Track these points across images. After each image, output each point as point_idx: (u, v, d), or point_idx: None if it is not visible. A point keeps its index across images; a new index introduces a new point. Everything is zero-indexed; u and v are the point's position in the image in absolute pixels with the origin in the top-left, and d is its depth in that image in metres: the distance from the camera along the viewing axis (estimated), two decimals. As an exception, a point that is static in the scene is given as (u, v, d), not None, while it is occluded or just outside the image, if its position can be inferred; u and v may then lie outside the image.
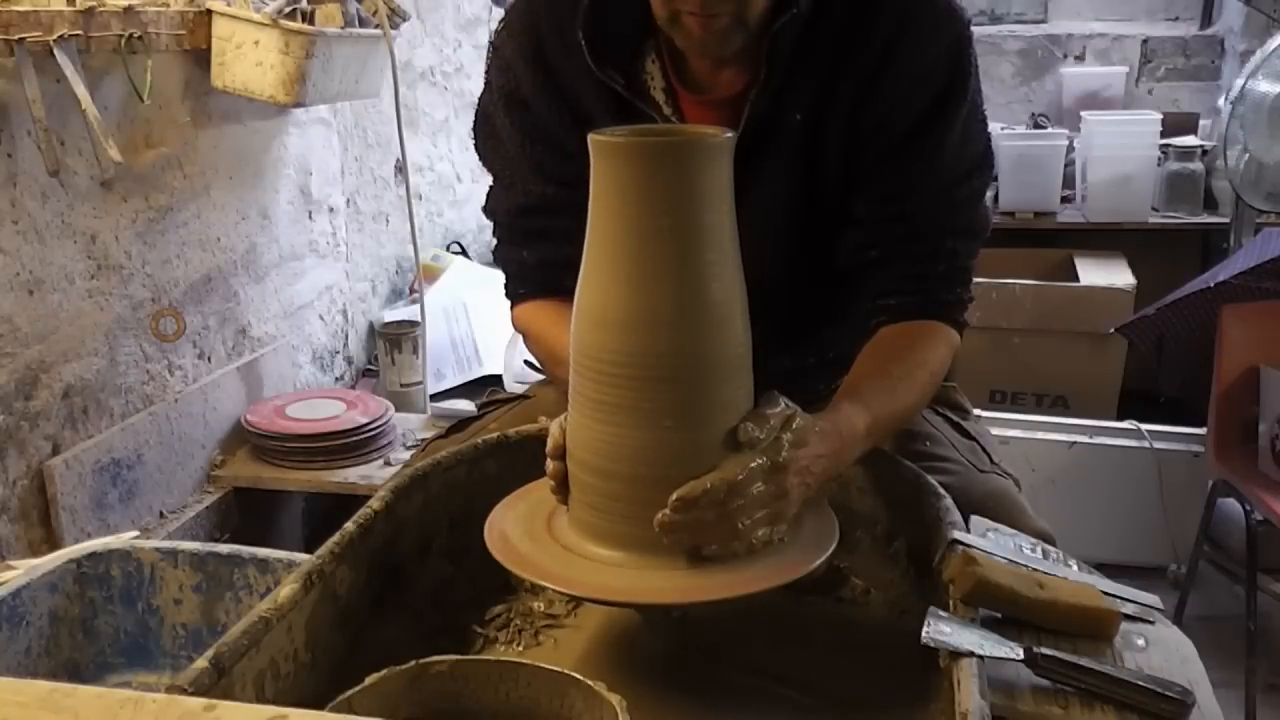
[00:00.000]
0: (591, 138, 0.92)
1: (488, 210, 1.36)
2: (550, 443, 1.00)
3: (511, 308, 1.35)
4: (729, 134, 0.93)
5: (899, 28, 1.14)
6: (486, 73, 1.30)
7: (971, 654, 0.80)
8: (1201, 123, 3.69)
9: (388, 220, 3.00)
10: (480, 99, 1.32)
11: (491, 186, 1.34)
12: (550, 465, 1.00)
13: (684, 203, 0.90)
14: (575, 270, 0.96)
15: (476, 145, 1.35)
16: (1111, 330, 2.82)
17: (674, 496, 0.89)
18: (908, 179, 1.17)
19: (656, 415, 0.91)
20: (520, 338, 1.42)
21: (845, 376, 1.13)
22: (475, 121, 1.34)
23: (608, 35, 1.17)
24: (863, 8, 1.14)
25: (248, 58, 2.04)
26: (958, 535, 0.94)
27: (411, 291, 2.95)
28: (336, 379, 2.76)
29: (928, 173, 1.17)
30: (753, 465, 0.91)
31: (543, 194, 1.26)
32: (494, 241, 1.36)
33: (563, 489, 0.99)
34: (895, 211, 1.17)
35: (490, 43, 1.30)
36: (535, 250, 1.28)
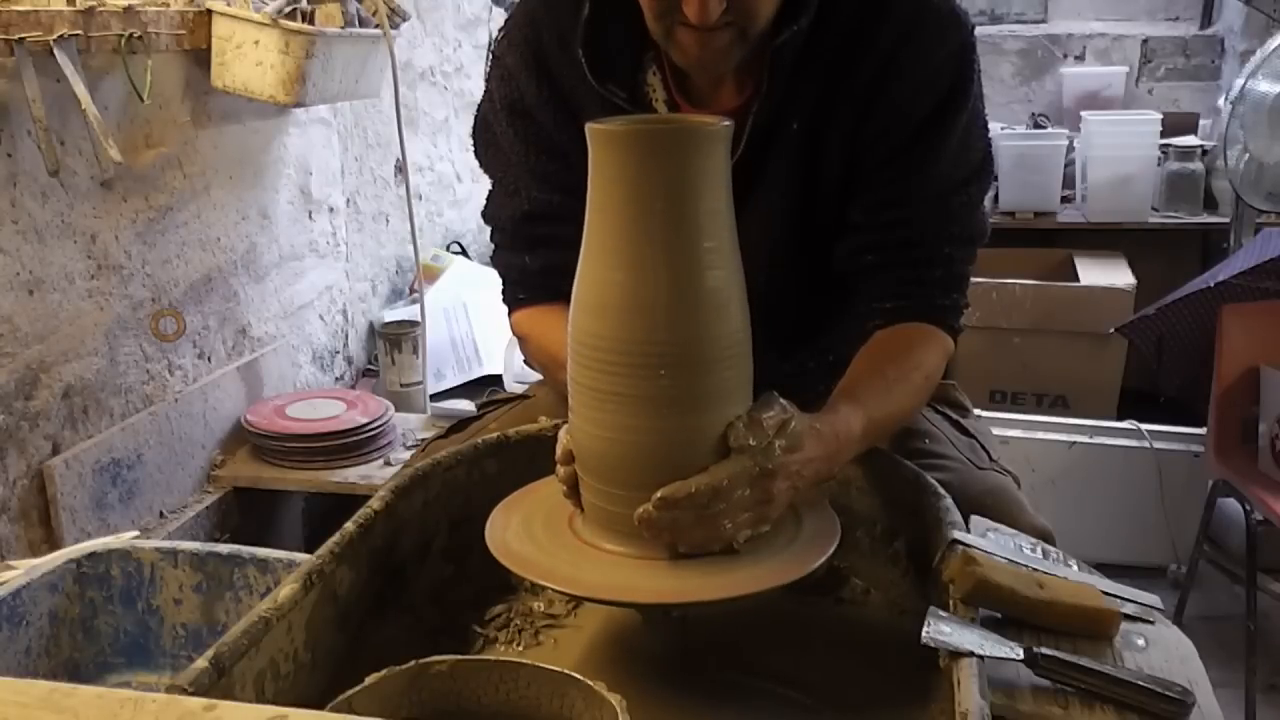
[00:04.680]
0: (589, 127, 0.92)
1: (488, 215, 1.35)
2: (559, 449, 1.00)
3: (510, 313, 1.35)
4: (726, 122, 0.93)
5: (903, 35, 1.13)
6: (487, 80, 1.30)
7: (971, 654, 0.80)
8: (1201, 123, 3.69)
9: (388, 220, 3.00)
10: (480, 106, 1.32)
11: (491, 192, 1.34)
12: (560, 470, 1.00)
13: (681, 191, 0.90)
14: None
15: (476, 151, 1.34)
16: (1111, 330, 2.81)
17: (656, 495, 0.90)
18: (906, 185, 1.16)
19: (654, 402, 0.91)
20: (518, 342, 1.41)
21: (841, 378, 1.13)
22: (475, 128, 1.33)
23: (608, 47, 1.16)
24: (865, 16, 1.14)
25: (248, 58, 2.04)
26: (958, 535, 0.94)
27: (411, 291, 2.95)
28: (336, 379, 2.76)
29: (926, 179, 1.16)
30: (739, 471, 0.91)
31: (548, 201, 1.25)
32: (492, 247, 1.35)
33: (574, 494, 0.99)
34: (892, 217, 1.17)
35: (491, 51, 1.30)
36: (538, 256, 1.28)
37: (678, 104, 1.20)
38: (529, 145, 1.25)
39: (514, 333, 1.36)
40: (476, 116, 1.33)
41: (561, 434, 1.00)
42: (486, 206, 1.35)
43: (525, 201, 1.27)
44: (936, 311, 1.19)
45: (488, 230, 1.36)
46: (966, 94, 1.16)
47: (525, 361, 2.08)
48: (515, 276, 1.32)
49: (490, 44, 1.30)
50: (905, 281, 1.18)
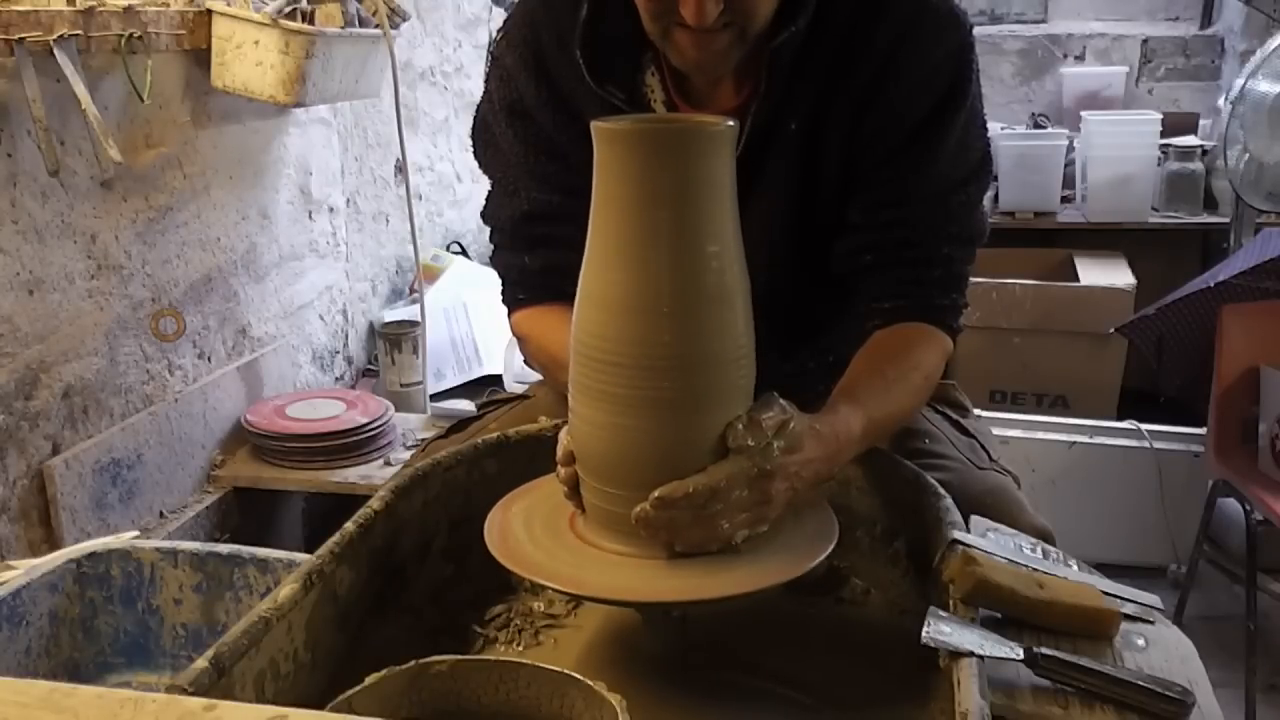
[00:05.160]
0: (595, 125, 0.92)
1: (487, 216, 1.35)
2: (560, 449, 1.00)
3: (510, 314, 1.35)
4: (731, 123, 0.93)
5: (901, 35, 1.13)
6: (486, 81, 1.30)
7: (971, 654, 0.80)
8: (1201, 123, 3.70)
9: (388, 220, 3.00)
10: (479, 106, 1.32)
11: (491, 192, 1.34)
12: (561, 471, 1.00)
13: (686, 191, 0.90)
14: (576, 277, 0.96)
15: (476, 152, 1.34)
16: (1111, 330, 2.82)
17: (654, 495, 0.90)
18: (904, 185, 1.16)
19: (656, 402, 0.91)
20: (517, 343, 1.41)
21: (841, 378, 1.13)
22: (474, 129, 1.33)
23: (607, 48, 1.16)
24: (863, 16, 1.14)
25: (248, 58, 2.04)
26: (958, 535, 0.94)
27: (411, 291, 2.95)
28: (336, 379, 2.76)
29: (924, 179, 1.16)
30: (737, 471, 0.91)
31: (547, 201, 1.25)
32: (491, 247, 1.35)
33: (575, 495, 0.99)
34: (891, 217, 1.17)
35: (490, 52, 1.30)
36: (537, 256, 1.28)
37: (676, 105, 1.20)
38: (528, 146, 1.25)
39: (514, 333, 1.36)
40: (476, 117, 1.33)
41: (562, 435, 1.00)
42: (486, 207, 1.35)
43: (525, 202, 1.27)
44: (935, 311, 1.19)
45: (487, 230, 1.36)
46: (965, 94, 1.16)
47: (525, 362, 2.08)
48: (515, 277, 1.32)
49: (490, 44, 1.29)
50: (904, 281, 1.18)
